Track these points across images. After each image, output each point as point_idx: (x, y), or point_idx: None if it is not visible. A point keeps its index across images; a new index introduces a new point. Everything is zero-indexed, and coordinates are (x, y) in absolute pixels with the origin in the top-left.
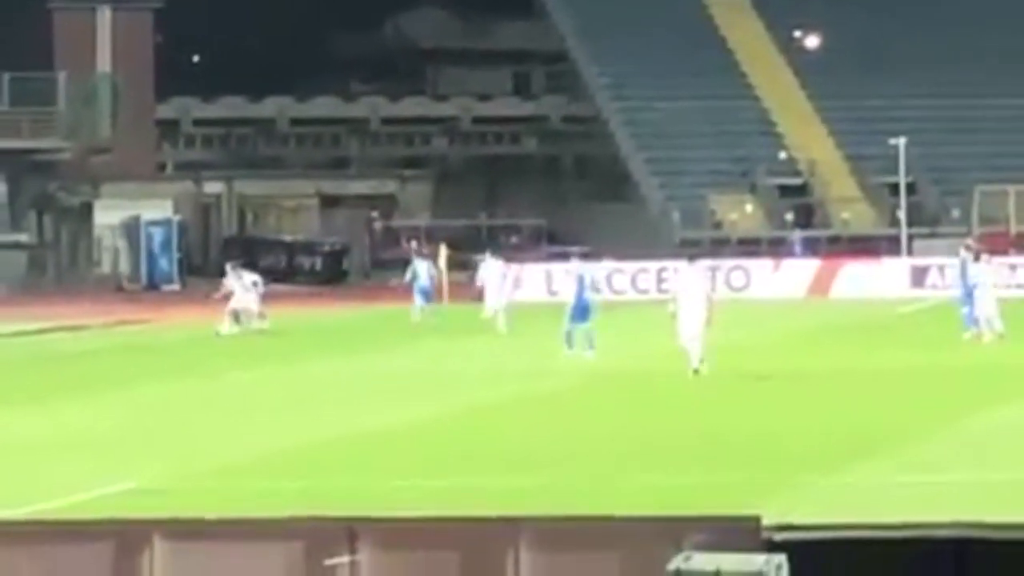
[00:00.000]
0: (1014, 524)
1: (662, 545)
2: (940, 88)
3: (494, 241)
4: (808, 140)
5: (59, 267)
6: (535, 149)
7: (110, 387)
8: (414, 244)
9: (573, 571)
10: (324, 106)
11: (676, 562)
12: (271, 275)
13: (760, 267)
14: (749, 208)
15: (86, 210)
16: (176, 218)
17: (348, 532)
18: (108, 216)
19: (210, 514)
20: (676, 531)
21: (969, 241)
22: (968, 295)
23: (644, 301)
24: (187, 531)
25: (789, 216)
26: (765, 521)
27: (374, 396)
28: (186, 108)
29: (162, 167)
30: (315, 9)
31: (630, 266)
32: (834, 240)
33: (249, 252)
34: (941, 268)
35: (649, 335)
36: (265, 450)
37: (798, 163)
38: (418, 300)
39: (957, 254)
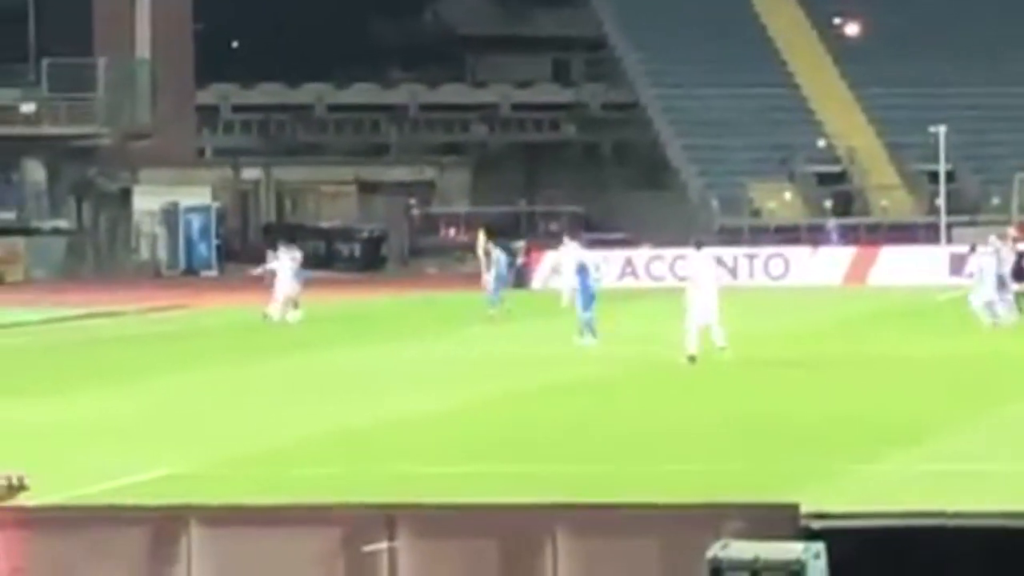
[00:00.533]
0: None
1: (700, 533)
2: (980, 76)
3: (533, 229)
4: (847, 128)
5: (98, 253)
6: (574, 136)
7: (146, 374)
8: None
9: (611, 559)
10: (363, 93)
11: (714, 550)
12: (309, 262)
13: (798, 255)
14: (788, 196)
15: (125, 196)
16: (215, 204)
17: (386, 519)
18: (147, 202)
19: (247, 500)
20: (714, 519)
21: (1008, 229)
22: (1001, 285)
23: (682, 288)
24: (224, 517)
25: (828, 204)
26: (803, 509)
27: (411, 383)
28: (225, 94)
29: (201, 153)
30: None
31: (669, 252)
32: (873, 228)
33: (287, 239)
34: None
35: None
36: (302, 437)
37: (837, 151)
38: (495, 290)
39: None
